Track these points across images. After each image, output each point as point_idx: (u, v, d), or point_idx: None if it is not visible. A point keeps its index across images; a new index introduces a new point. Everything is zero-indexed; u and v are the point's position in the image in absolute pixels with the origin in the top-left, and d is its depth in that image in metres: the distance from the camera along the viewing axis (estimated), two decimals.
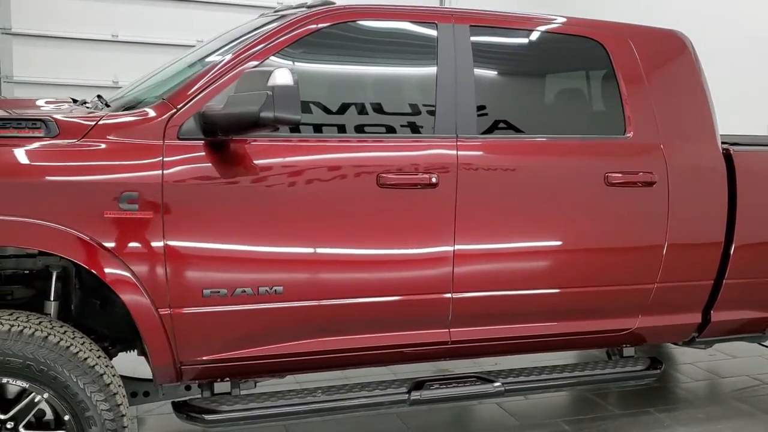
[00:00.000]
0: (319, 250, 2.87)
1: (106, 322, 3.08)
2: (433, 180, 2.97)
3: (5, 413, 2.54)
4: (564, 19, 3.43)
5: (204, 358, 2.82)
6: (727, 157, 3.52)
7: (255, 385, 3.11)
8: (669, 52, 3.56)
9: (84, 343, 2.64)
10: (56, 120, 2.65)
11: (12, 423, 2.53)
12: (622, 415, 4.12)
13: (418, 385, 3.16)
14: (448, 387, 3.16)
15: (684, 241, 3.43)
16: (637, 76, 3.43)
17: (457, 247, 3.04)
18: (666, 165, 3.37)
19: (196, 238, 2.70)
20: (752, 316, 3.72)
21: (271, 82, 2.46)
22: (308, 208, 2.84)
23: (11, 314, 2.58)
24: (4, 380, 2.48)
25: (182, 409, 2.88)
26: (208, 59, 3.23)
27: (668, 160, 3.38)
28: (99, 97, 3.30)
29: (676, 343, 3.90)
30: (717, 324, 3.65)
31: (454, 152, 3.04)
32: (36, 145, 2.57)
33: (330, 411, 2.97)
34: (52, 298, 2.86)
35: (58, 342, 2.53)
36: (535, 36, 3.40)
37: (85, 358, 2.58)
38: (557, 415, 4.08)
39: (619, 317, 3.44)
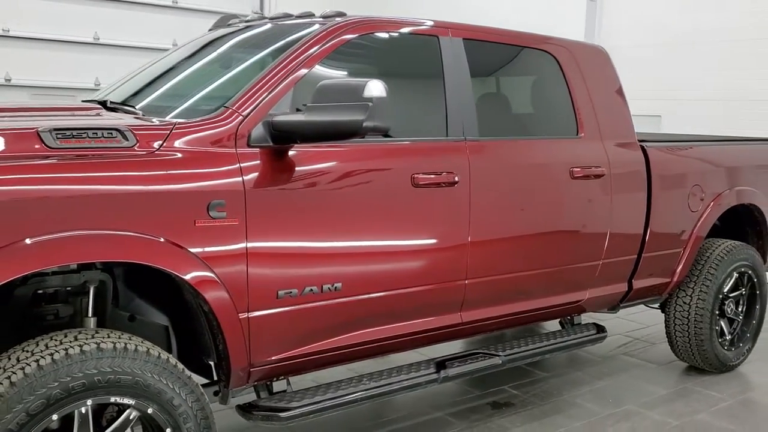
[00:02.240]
0: (370, 247, 3.08)
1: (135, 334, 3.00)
2: (456, 178, 3.30)
3: None
4: (527, 35, 3.91)
5: (273, 357, 2.90)
6: (643, 151, 4.26)
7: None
8: (599, 64, 4.21)
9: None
10: (132, 129, 2.58)
11: None
12: (550, 377, 4.76)
13: (440, 364, 3.47)
14: (465, 364, 3.52)
15: (621, 222, 4.10)
16: (582, 84, 4.03)
17: (471, 236, 3.40)
18: (608, 160, 4.01)
19: (272, 241, 2.78)
20: (657, 282, 4.51)
21: (367, 93, 2.62)
22: (358, 208, 3.03)
23: (97, 332, 2.48)
24: (113, 399, 2.40)
25: (252, 410, 2.92)
26: (221, 65, 3.27)
27: (609, 155, 4.02)
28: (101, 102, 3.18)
29: (596, 311, 4.60)
30: (636, 291, 4.39)
31: (466, 153, 3.39)
32: (117, 155, 2.50)
33: (380, 396, 3.18)
34: (90, 314, 2.77)
35: (159, 355, 2.50)
36: (507, 49, 3.84)
37: (183, 369, 2.56)
38: (502, 383, 4.59)
39: (577, 291, 4.03)
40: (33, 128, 2.45)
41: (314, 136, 2.75)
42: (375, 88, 2.64)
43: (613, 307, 4.48)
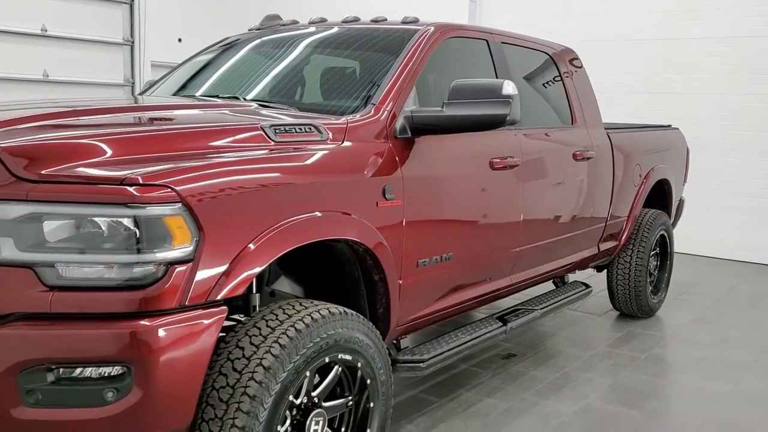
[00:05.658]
0: (469, 221, 3.65)
1: None
2: (518, 162, 3.95)
3: (315, 390, 2.81)
4: (534, 39, 4.64)
5: (409, 318, 3.38)
6: (608, 136, 5.17)
7: None
8: (575, 63, 5.04)
9: None
10: (324, 124, 2.94)
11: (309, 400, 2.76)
12: (525, 331, 5.54)
13: (501, 319, 4.11)
14: (519, 317, 4.19)
15: (600, 195, 4.98)
16: (570, 80, 4.84)
17: (522, 211, 4.07)
18: (593, 144, 4.86)
19: (417, 218, 3.25)
20: (611, 245, 5.48)
21: (506, 91, 3.18)
22: (462, 186, 3.58)
23: (312, 302, 2.82)
24: (340, 356, 2.77)
25: (396, 364, 3.37)
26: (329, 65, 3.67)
27: (592, 140, 4.88)
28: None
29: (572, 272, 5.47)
30: (601, 253, 5.32)
31: (518, 140, 4.05)
32: (321, 148, 2.86)
33: (474, 346, 3.75)
34: (254, 291, 3.09)
35: (363, 318, 2.90)
36: (525, 52, 4.54)
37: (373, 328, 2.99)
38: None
39: (572, 254, 4.85)
40: (255, 124, 2.75)
41: (455, 128, 3.25)
42: (510, 87, 3.20)
43: (583, 267, 5.37)
